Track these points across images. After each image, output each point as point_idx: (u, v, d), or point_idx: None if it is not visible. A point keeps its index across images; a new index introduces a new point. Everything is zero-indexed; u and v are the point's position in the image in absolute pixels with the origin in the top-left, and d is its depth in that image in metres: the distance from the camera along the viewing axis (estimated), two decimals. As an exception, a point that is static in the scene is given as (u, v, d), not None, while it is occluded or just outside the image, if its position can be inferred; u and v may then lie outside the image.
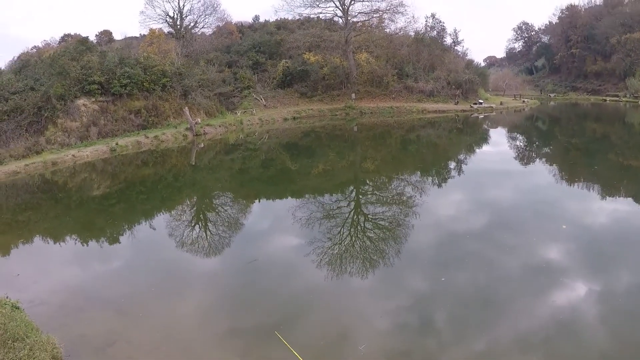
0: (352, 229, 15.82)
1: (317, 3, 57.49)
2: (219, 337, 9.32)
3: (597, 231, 14.62)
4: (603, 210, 16.64)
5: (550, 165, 26.54)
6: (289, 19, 65.50)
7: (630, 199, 18.47)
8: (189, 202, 21.39)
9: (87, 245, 15.47)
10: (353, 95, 55.26)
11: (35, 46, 67.18)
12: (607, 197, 18.71)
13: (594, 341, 8.59)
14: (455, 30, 74.91)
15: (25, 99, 31.06)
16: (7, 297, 10.01)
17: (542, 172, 24.44)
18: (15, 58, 54.60)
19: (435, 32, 67.65)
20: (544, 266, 11.64)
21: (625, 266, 11.68)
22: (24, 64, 39.24)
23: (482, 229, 15.03)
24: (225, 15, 63.88)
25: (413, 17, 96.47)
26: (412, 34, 61.96)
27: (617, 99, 69.19)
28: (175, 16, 58.00)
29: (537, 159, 29.36)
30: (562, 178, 22.65)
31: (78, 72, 35.56)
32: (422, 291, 10.91)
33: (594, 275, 11.24)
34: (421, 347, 8.74)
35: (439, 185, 22.19)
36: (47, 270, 13.38)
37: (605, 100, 70.26)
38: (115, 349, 8.86)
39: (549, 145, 35.43)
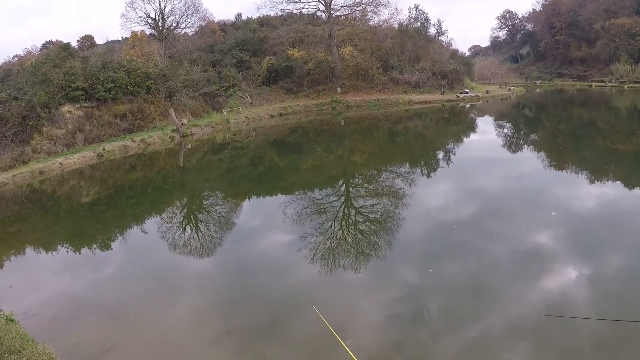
0: (343, 223, 15.90)
1: (299, -2, 57.25)
2: (213, 338, 9.36)
3: (586, 216, 14.75)
4: (591, 195, 16.80)
5: (539, 152, 26.73)
6: (272, 15, 65.14)
7: (618, 183, 18.60)
8: (179, 204, 21.36)
9: (79, 253, 15.42)
10: (339, 90, 55.16)
11: (17, 55, 66.49)
12: (596, 182, 18.89)
13: (584, 326, 8.68)
14: (439, 21, 74.58)
15: (9, 109, 30.82)
16: (0, 310, 10.00)
17: (531, 159, 24.62)
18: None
19: (418, 23, 67.46)
20: (533, 253, 11.77)
21: (614, 250, 11.82)
22: (6, 73, 38.75)
23: (472, 218, 15.13)
24: (207, 15, 63.22)
25: (396, 8, 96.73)
26: (396, 25, 61.79)
27: (603, 84, 69.37)
28: (157, 17, 57.48)
29: (525, 146, 29.56)
30: (551, 165, 22.82)
31: (61, 79, 35.26)
32: (415, 282, 11.00)
33: (583, 260, 11.39)
34: (414, 338, 8.84)
35: (428, 176, 22.30)
36: (40, 281, 13.33)
37: (591, 85, 70.49)
38: (111, 356, 8.88)
39: (536, 132, 35.64)
